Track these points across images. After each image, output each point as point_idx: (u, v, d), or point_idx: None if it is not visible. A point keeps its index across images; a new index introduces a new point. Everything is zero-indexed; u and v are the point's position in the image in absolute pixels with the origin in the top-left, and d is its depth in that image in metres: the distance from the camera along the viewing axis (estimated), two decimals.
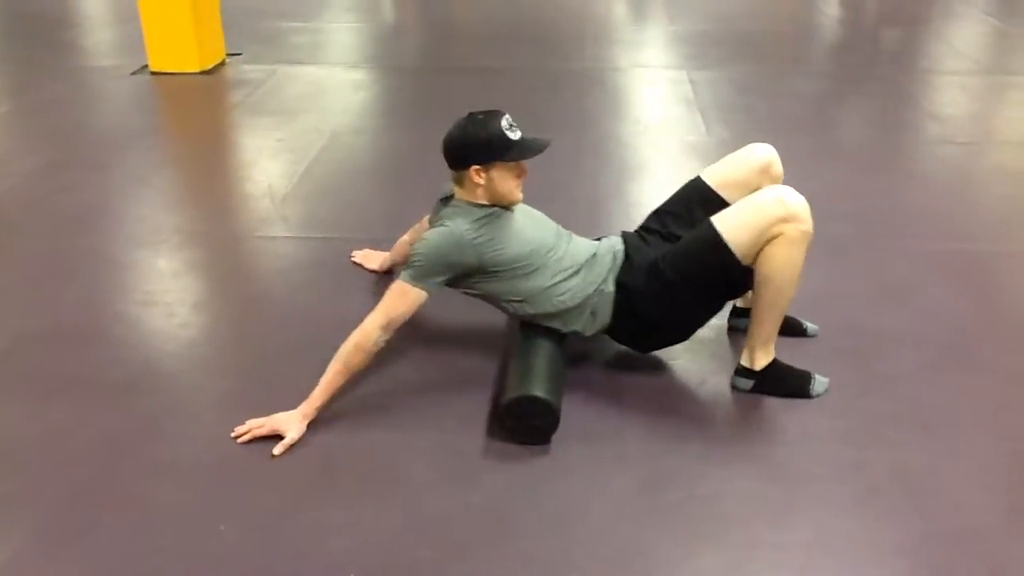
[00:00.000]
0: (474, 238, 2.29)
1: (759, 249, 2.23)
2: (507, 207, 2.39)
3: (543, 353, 2.37)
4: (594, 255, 2.44)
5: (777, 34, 6.61)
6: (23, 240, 3.33)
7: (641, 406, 2.41)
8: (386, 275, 2.98)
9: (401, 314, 2.28)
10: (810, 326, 2.69)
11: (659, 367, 2.57)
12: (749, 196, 2.30)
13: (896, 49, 6.42)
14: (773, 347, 2.40)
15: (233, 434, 2.24)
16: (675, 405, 2.43)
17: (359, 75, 5.53)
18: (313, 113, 4.78)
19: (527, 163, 2.37)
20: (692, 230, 2.38)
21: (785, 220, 2.18)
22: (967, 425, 2.33)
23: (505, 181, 2.34)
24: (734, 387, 2.45)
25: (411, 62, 6.01)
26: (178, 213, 3.64)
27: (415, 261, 2.27)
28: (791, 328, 2.66)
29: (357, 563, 1.89)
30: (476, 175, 2.32)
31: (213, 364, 2.62)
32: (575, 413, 2.36)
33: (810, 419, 2.34)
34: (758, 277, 2.27)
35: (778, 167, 2.54)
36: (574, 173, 3.94)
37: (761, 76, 5.48)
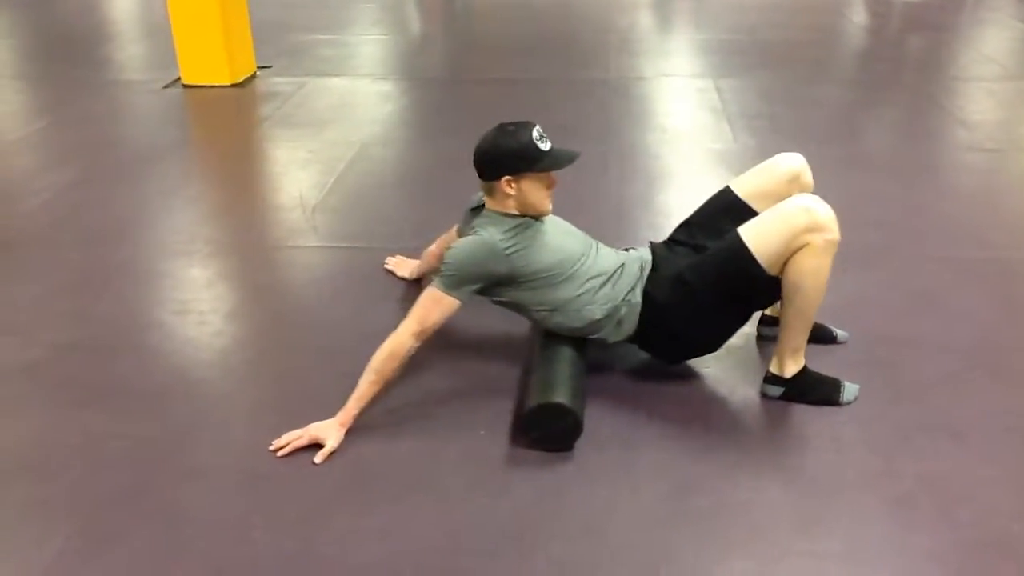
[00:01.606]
0: (506, 248, 2.31)
1: (786, 259, 2.23)
2: (537, 217, 2.41)
3: (565, 360, 2.38)
4: (622, 265, 2.45)
5: (804, 42, 6.60)
6: (58, 252, 3.40)
7: (670, 414, 2.42)
8: (415, 283, 3.01)
9: (434, 322, 2.30)
10: (840, 333, 2.69)
11: (688, 375, 2.58)
12: (776, 206, 2.30)
13: (923, 56, 6.39)
14: (803, 355, 2.41)
15: (272, 447, 2.26)
16: (704, 413, 2.43)
17: (387, 87, 5.59)
18: (342, 125, 4.83)
19: (557, 174, 2.39)
20: (719, 240, 2.39)
21: (811, 230, 2.19)
22: (997, 432, 2.31)
23: (536, 192, 2.36)
24: (764, 395, 2.45)
25: (438, 73, 6.06)
26: (210, 224, 3.69)
27: (448, 270, 2.29)
28: (820, 335, 2.66)
29: (390, 570, 1.92)
30: (507, 186, 2.34)
31: (246, 372, 2.66)
32: (604, 420, 2.38)
33: (840, 427, 2.34)
34: (786, 286, 2.28)
35: (807, 176, 2.54)
36: (601, 182, 3.96)
37: (788, 84, 5.47)
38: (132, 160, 4.38)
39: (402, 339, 2.28)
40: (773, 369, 2.43)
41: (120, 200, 3.89)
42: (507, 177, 2.33)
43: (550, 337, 2.48)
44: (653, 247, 2.57)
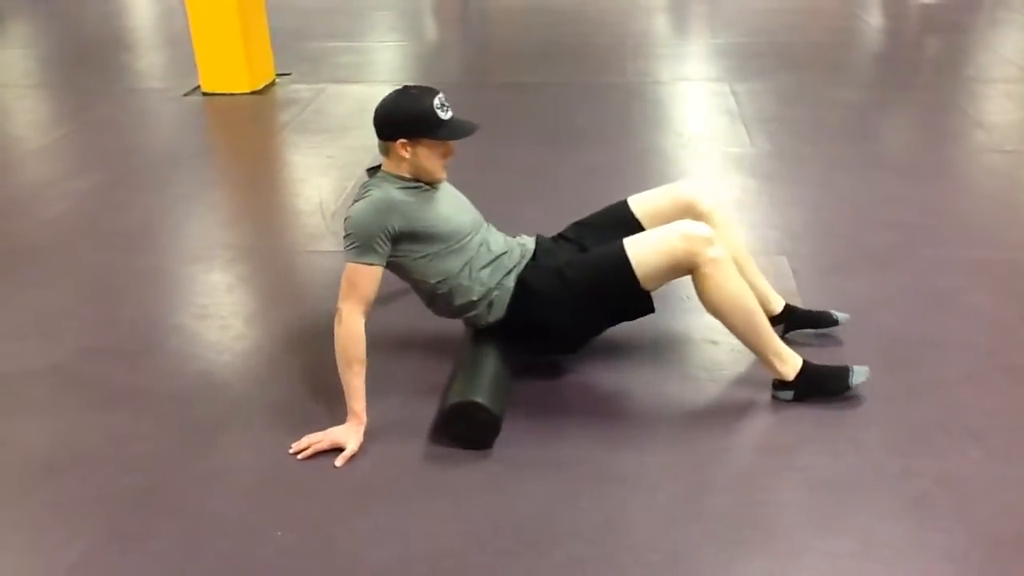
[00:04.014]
0: (401, 201, 2.33)
1: (664, 279, 2.33)
2: (431, 184, 2.42)
3: (489, 360, 2.42)
4: (507, 250, 2.49)
5: (820, 45, 6.59)
6: (82, 257, 3.45)
7: (684, 416, 2.43)
8: None
9: (369, 293, 2.32)
10: (840, 315, 2.70)
11: (701, 378, 2.59)
12: (660, 227, 2.37)
13: (940, 58, 6.37)
14: (790, 354, 2.41)
15: (292, 450, 2.29)
16: (720, 415, 2.44)
17: None
18: (361, 130, 4.86)
19: (456, 145, 2.40)
20: (603, 246, 2.42)
21: (691, 253, 2.26)
22: (1014, 432, 2.31)
23: (430, 159, 2.37)
24: (776, 399, 2.46)
25: (454, 79, 6.09)
26: (231, 229, 3.74)
27: (352, 242, 2.31)
28: (820, 321, 2.68)
29: (409, 569, 1.94)
30: (402, 148, 2.35)
31: (267, 375, 2.69)
32: (620, 420, 2.40)
33: (856, 427, 2.34)
34: (711, 313, 2.38)
35: (704, 206, 2.57)
36: (617, 186, 3.96)
37: (805, 87, 5.47)
38: (153, 166, 4.43)
39: (352, 321, 2.31)
40: (774, 375, 2.44)
41: (142, 206, 3.94)
42: (403, 140, 2.34)
43: (477, 338, 2.51)
44: (539, 239, 2.61)
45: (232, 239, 3.61)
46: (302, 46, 6.74)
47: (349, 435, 2.29)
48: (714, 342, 2.73)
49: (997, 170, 4.11)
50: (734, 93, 5.32)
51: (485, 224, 2.54)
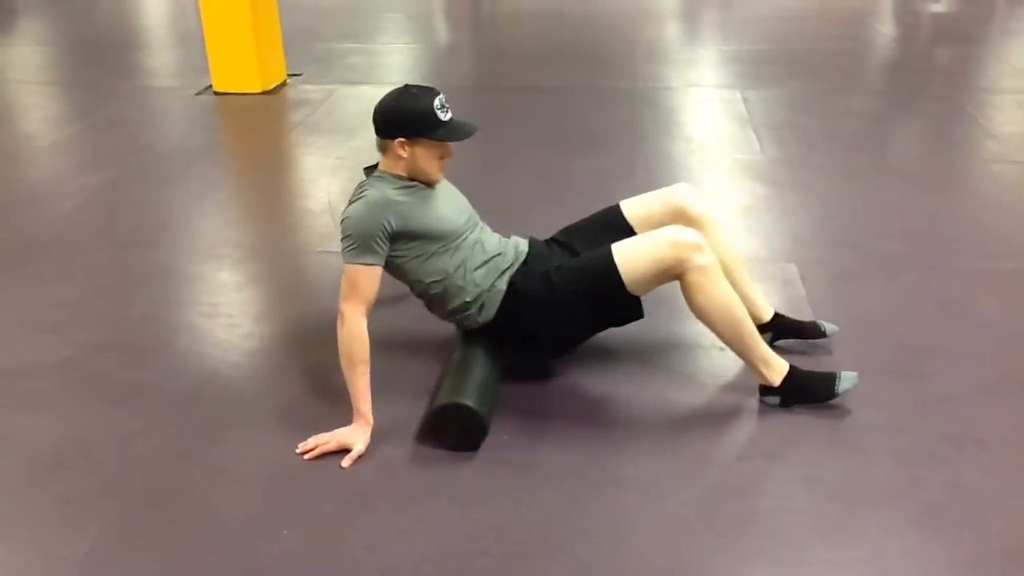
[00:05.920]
0: (397, 200, 2.33)
1: (652, 285, 2.32)
2: (427, 184, 2.42)
3: (478, 363, 2.42)
4: (500, 252, 2.48)
5: (831, 53, 6.58)
6: (92, 254, 3.46)
7: (695, 423, 2.43)
8: None
9: (370, 294, 2.32)
10: (828, 326, 2.69)
11: (712, 385, 2.58)
12: (649, 232, 2.36)
13: (952, 67, 6.35)
14: (776, 360, 2.41)
15: (299, 450, 2.30)
16: (728, 421, 2.44)
17: None
18: (371, 132, 4.81)
19: (458, 146, 2.40)
20: (593, 250, 2.42)
21: (680, 260, 2.26)
22: (1022, 443, 2.30)
23: (427, 159, 2.37)
24: (763, 403, 2.47)
25: (464, 81, 6.10)
26: (241, 228, 3.74)
27: (351, 243, 2.30)
28: (808, 332, 2.67)
29: (414, 570, 1.94)
30: (400, 147, 2.34)
31: (274, 374, 2.69)
32: (628, 426, 2.39)
33: (865, 437, 2.33)
34: (698, 318, 2.37)
35: (694, 210, 2.57)
36: (627, 191, 3.96)
37: (815, 94, 5.47)
38: (164, 165, 4.45)
39: (355, 323, 2.30)
40: (761, 381, 2.44)
41: (152, 204, 3.96)
42: (401, 139, 2.34)
43: (467, 342, 2.51)
44: (532, 242, 2.61)
45: (242, 238, 3.62)
46: (313, 47, 6.76)
47: (356, 436, 2.30)
48: (722, 348, 2.73)
49: (1008, 180, 4.09)
50: (745, 100, 5.31)
51: (480, 223, 2.54)
